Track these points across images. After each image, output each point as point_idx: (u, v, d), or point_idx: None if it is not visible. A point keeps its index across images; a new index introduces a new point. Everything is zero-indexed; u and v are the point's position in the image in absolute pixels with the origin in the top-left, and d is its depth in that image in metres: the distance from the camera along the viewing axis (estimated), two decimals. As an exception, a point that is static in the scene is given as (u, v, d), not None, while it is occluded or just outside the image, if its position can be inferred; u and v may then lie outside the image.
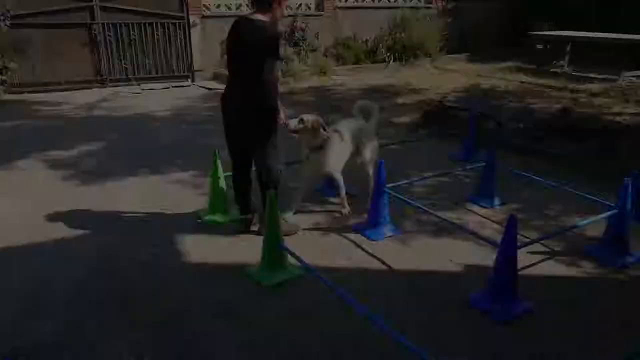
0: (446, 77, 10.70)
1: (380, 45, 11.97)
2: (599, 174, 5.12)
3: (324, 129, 4.01)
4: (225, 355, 2.72)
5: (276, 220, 3.34)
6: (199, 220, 4.23)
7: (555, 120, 5.82)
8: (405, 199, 4.12)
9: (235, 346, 2.78)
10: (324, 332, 2.89)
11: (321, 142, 4.00)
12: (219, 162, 4.20)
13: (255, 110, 3.59)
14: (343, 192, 4.30)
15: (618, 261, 3.57)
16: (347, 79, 10.84)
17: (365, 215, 4.23)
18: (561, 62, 11.32)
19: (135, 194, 4.83)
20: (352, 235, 4.04)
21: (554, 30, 11.99)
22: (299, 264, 3.43)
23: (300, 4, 11.58)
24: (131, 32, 10.12)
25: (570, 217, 4.33)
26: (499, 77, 10.26)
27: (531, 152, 5.89)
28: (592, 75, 10.14)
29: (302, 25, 11.09)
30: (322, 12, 11.77)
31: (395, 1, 12.76)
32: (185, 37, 10.62)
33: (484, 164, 4.58)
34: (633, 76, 9.54)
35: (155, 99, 9.30)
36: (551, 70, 10.93)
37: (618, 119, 6.52)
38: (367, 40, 12.37)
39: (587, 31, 11.53)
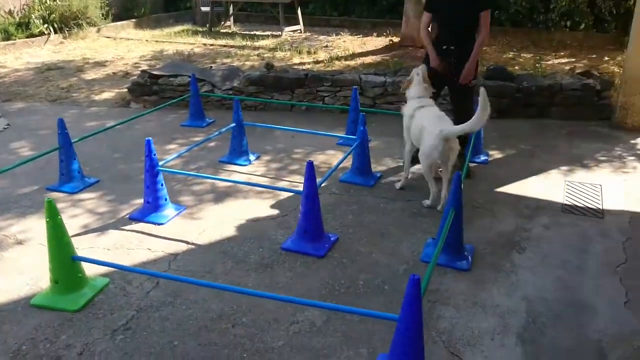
0: (123, 45, 10.07)
1: (33, 16, 10.24)
2: (322, 116, 5.94)
3: None
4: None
5: (59, 229, 2.71)
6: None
7: (264, 77, 6.31)
8: (185, 172, 3.93)
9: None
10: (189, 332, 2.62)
11: None
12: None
13: None
14: None
15: (370, 182, 4.32)
16: (2, 59, 9.00)
17: (140, 201, 3.84)
18: (227, 22, 12.09)
19: None
20: (134, 226, 3.63)
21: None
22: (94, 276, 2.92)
23: None
24: None
25: (314, 154, 4.93)
26: (179, 41, 10.25)
27: (258, 107, 6.31)
28: (258, 32, 11.23)
29: None
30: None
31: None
32: None
33: (233, 124, 4.68)
34: (291, 31, 11.01)
35: None
36: (222, 31, 11.57)
37: (304, 67, 7.51)
38: (11, 12, 10.40)
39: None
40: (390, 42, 9.37)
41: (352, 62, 8.01)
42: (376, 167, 4.64)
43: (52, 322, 2.65)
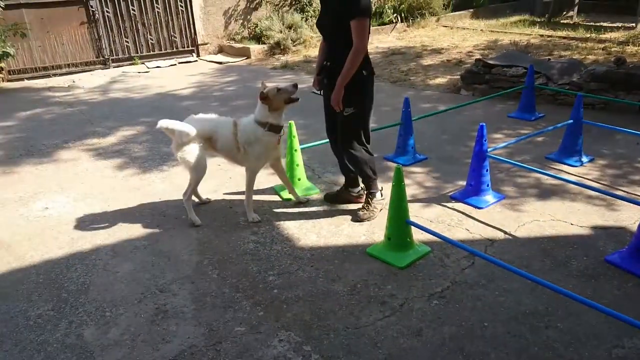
0: (459, 34, 10.43)
1: (386, 6, 11.56)
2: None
3: None
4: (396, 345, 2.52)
5: (402, 194, 3.10)
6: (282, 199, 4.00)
7: (611, 73, 5.65)
8: (514, 162, 3.94)
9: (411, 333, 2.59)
10: (494, 310, 2.71)
11: None
12: (294, 134, 3.96)
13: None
14: None
15: None
16: (358, 43, 10.47)
17: (462, 183, 4.04)
18: (570, 12, 11.18)
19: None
20: (454, 205, 3.85)
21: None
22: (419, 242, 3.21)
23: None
24: (130, 8, 9.49)
25: (665, 169, 4.23)
26: (514, 32, 10.04)
27: (597, 106, 5.75)
28: (605, 24, 10.04)
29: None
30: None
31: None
32: (187, 9, 10.02)
33: (570, 121, 4.39)
34: None
35: (167, 76, 8.80)
36: (562, 21, 10.79)
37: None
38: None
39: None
40: None
41: None
42: None
43: (381, 272, 3.08)
